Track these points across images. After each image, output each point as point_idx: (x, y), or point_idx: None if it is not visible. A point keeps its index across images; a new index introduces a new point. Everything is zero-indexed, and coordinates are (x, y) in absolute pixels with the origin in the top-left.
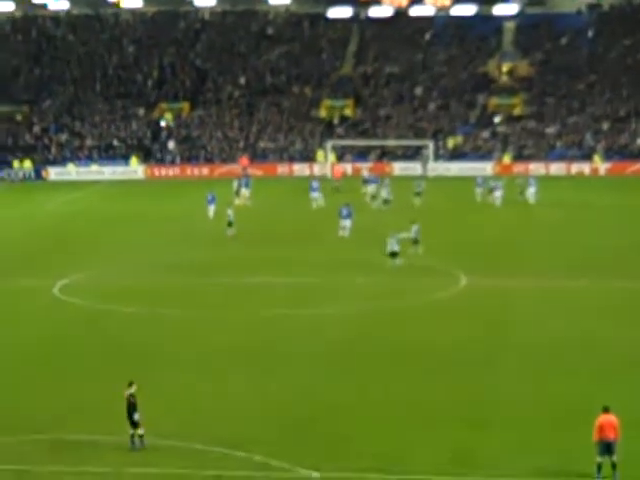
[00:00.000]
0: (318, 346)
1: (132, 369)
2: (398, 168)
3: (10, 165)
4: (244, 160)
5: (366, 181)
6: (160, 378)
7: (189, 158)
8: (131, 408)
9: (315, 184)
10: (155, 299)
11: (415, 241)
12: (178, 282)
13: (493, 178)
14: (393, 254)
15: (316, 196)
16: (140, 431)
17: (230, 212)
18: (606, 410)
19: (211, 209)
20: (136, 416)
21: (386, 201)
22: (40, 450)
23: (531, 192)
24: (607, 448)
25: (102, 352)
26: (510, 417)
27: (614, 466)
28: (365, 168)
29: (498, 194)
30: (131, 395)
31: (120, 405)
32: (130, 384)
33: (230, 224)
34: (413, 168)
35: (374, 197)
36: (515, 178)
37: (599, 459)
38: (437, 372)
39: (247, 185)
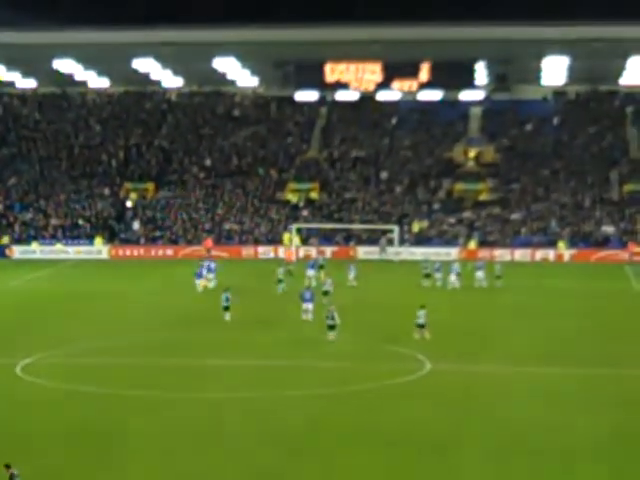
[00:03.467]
0: (277, 429)
1: (91, 450)
2: (363, 252)
3: None
4: (208, 242)
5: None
6: (119, 460)
7: (153, 239)
8: None
9: (212, 266)
10: (116, 379)
11: (421, 326)
12: (140, 362)
13: (447, 263)
14: (331, 327)
15: (211, 277)
16: None
17: (227, 295)
18: None
19: (198, 283)
20: None
21: (326, 292)
22: None
23: (480, 276)
24: None
25: (63, 434)
26: None
27: None
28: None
29: (453, 278)
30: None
31: None
32: (7, 466)
33: (227, 308)
34: (377, 252)
35: (280, 281)
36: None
37: None
38: (398, 457)
39: (210, 268)
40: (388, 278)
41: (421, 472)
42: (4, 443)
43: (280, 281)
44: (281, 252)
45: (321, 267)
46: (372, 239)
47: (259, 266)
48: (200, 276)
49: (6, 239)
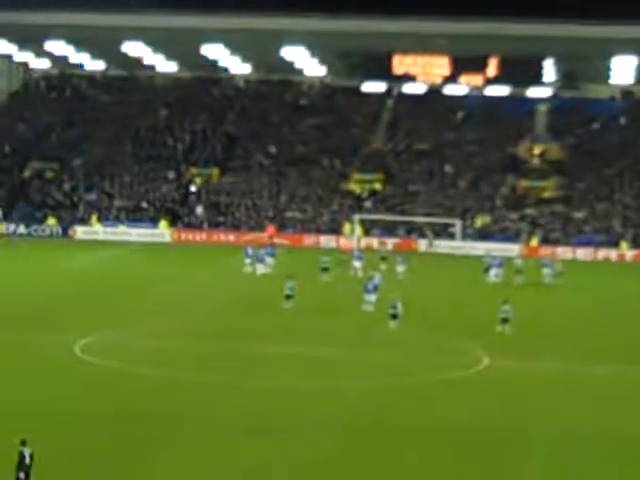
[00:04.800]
0: (337, 419)
1: (147, 433)
2: (424, 245)
3: (39, 222)
4: (271, 229)
5: (357, 257)
6: (170, 445)
7: (216, 224)
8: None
9: (250, 251)
10: (174, 363)
11: (505, 320)
12: (198, 347)
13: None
14: (393, 316)
15: (248, 261)
16: None
17: (292, 284)
18: None
19: (260, 267)
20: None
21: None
22: None
23: (547, 273)
24: None
25: (118, 415)
26: None
27: None
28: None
29: (496, 272)
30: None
31: (133, 469)
32: (23, 443)
33: (289, 297)
34: (439, 245)
35: (325, 270)
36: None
37: None
38: (457, 451)
39: (272, 254)
40: (449, 272)
41: (478, 466)
42: (57, 421)
43: (325, 269)
44: (342, 242)
45: (383, 259)
46: (435, 232)
47: (320, 255)
48: (261, 260)
49: (94, 219)
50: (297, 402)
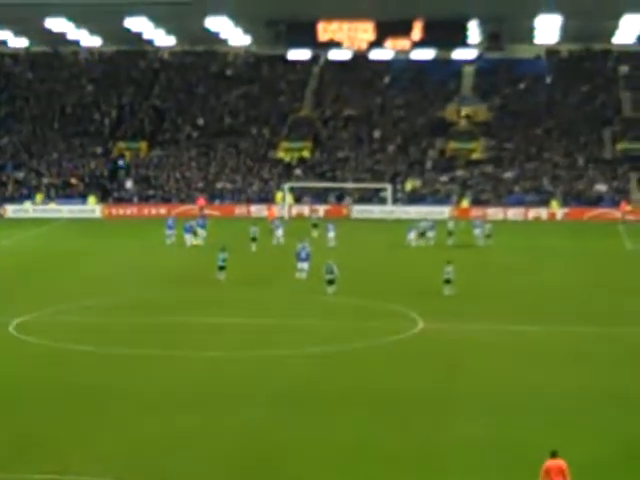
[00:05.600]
0: (271, 388)
1: (84, 408)
2: (355, 210)
3: None
4: (201, 201)
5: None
6: (112, 418)
7: (147, 198)
8: None
9: (171, 222)
10: (108, 338)
11: (448, 281)
12: (134, 321)
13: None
14: (330, 282)
15: (170, 233)
16: None
17: (224, 256)
18: (554, 455)
19: (188, 237)
20: None
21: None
22: None
23: (478, 234)
24: None
25: (55, 391)
26: (463, 461)
27: None
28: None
29: (428, 234)
30: None
31: (71, 444)
32: None
33: (222, 268)
34: (370, 211)
35: (253, 239)
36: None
37: None
38: (391, 414)
39: (203, 226)
40: (380, 237)
41: (411, 432)
42: None
43: (254, 239)
44: (275, 211)
45: (315, 226)
46: (365, 198)
47: (250, 225)
48: (189, 231)
49: (40, 197)
50: (232, 372)
